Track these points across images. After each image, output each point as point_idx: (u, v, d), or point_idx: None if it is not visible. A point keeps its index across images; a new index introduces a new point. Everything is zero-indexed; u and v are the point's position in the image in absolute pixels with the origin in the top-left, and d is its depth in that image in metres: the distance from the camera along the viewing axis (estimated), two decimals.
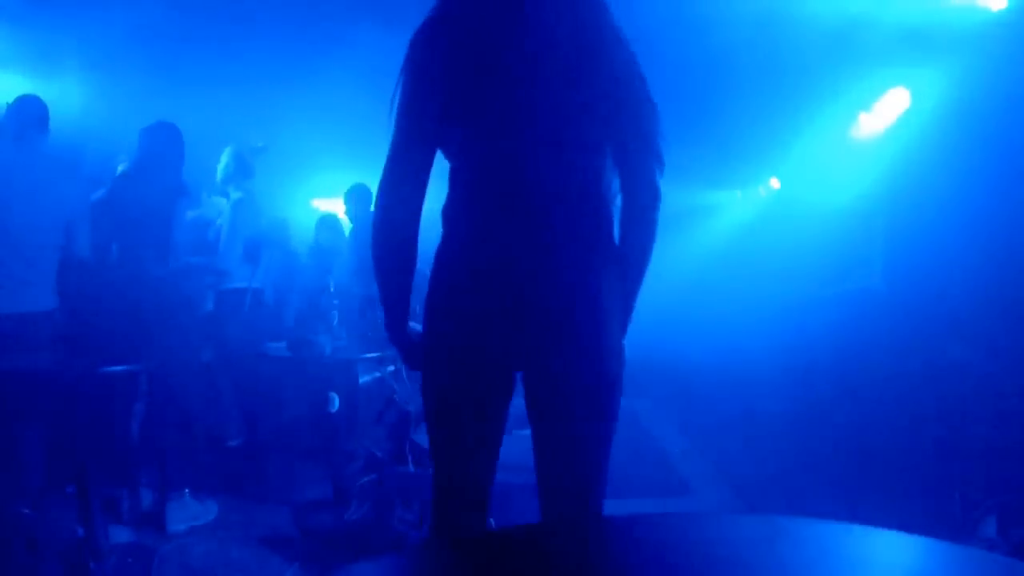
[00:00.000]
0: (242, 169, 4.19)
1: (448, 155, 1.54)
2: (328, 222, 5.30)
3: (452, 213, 1.54)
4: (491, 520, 1.69)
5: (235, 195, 4.15)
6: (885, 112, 4.84)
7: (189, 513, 3.35)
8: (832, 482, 3.58)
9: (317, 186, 7.13)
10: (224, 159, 4.21)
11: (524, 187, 1.47)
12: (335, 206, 6.61)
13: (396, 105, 1.48)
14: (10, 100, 3.17)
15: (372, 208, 1.58)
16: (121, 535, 3.10)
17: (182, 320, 3.53)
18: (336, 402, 3.74)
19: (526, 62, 1.44)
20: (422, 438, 3.08)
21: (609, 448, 1.55)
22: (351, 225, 4.96)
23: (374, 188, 1.55)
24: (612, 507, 1.53)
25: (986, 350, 3.45)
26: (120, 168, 3.83)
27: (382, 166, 1.51)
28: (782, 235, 6.20)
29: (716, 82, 4.59)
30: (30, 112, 3.15)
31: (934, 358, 3.71)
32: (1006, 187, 3.45)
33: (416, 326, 1.62)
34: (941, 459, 3.36)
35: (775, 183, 7.20)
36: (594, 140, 1.50)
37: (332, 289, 3.95)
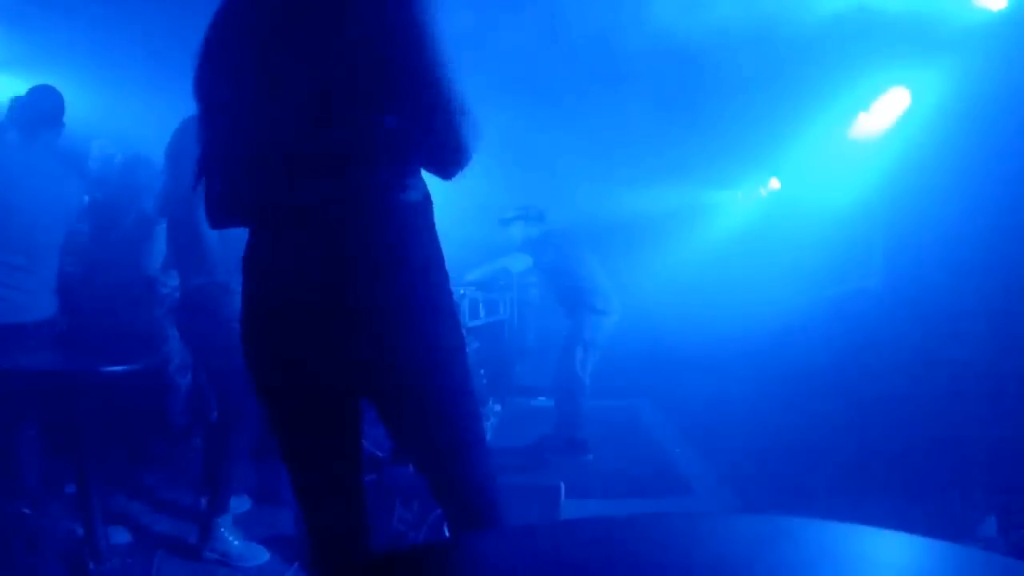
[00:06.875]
0: None
1: None
2: None
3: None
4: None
5: None
6: (885, 112, 4.84)
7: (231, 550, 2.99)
8: (832, 482, 3.57)
9: None
10: None
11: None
12: None
13: None
14: (9, 100, 3.06)
15: None
16: (121, 535, 3.10)
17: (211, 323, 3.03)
18: None
19: (254, 59, 1.40)
20: None
21: (455, 416, 1.48)
22: None
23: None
24: (612, 507, 1.52)
25: (986, 350, 3.45)
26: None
27: None
28: (782, 236, 6.20)
29: (715, 81, 4.59)
30: (43, 105, 2.95)
31: (934, 358, 3.71)
32: (1006, 187, 3.45)
33: None
34: (941, 459, 3.36)
35: (775, 183, 7.20)
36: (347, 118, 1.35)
37: None
